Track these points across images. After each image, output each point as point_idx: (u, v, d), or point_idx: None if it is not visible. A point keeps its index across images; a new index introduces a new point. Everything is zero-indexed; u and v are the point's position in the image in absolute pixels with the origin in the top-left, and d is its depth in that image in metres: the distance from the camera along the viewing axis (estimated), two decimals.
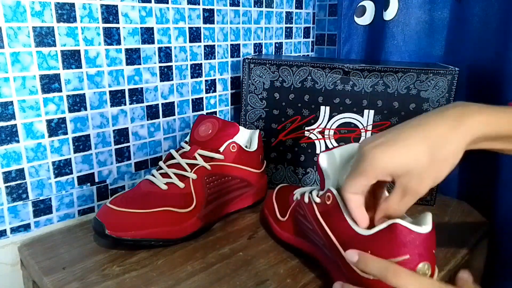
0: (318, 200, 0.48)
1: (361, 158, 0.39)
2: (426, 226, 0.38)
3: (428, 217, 0.39)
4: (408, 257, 0.37)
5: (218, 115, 0.81)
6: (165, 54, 0.69)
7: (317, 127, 0.72)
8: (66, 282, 0.48)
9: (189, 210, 0.56)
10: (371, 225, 0.41)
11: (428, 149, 0.37)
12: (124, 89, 0.65)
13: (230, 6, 0.77)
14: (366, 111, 0.69)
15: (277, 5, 0.87)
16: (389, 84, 0.67)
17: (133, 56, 0.65)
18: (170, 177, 0.57)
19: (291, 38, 0.93)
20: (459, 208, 0.71)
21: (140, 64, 0.66)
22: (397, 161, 0.38)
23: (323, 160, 0.46)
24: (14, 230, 0.58)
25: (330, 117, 0.71)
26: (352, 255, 0.40)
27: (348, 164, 0.46)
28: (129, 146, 0.68)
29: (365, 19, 0.86)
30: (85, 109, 0.61)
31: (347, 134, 0.71)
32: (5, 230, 0.57)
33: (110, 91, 0.63)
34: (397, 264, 0.38)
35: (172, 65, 0.70)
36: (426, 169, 0.37)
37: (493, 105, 0.40)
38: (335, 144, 0.72)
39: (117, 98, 0.64)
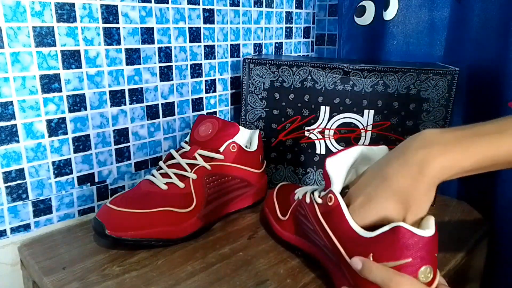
0: (320, 200, 0.47)
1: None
2: (429, 230, 0.38)
3: (431, 221, 0.39)
4: (410, 260, 0.37)
5: (218, 115, 0.81)
6: (165, 54, 0.69)
7: (317, 127, 0.72)
8: (66, 282, 0.48)
9: (189, 210, 0.56)
10: (373, 228, 0.41)
11: (399, 202, 0.40)
12: (124, 89, 0.65)
13: (230, 6, 0.77)
14: (366, 111, 0.69)
15: (277, 5, 0.87)
16: (389, 84, 0.67)
17: (133, 56, 0.65)
18: (170, 177, 0.57)
19: (291, 38, 0.93)
20: (459, 208, 0.71)
21: (140, 64, 0.66)
22: (379, 217, 0.41)
23: (330, 166, 0.46)
24: (14, 230, 0.58)
25: (330, 117, 0.71)
26: (356, 262, 0.40)
27: (353, 167, 0.46)
28: (129, 146, 0.68)
29: (365, 19, 0.86)
30: (85, 109, 0.61)
31: (347, 134, 0.71)
32: (5, 230, 0.57)
33: (110, 91, 0.63)
34: (399, 267, 0.38)
35: (172, 65, 0.70)
36: (406, 215, 0.40)
37: (467, 127, 0.39)
38: (335, 144, 0.72)
39: (117, 98, 0.64)
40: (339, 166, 0.45)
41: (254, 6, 0.82)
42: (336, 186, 0.45)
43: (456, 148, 0.38)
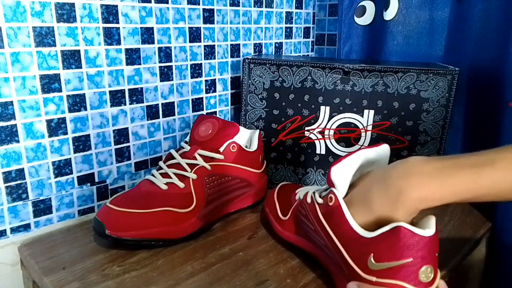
0: (320, 200, 0.47)
1: None
2: (429, 229, 0.38)
3: (432, 220, 0.39)
4: (411, 260, 0.37)
5: (218, 115, 0.81)
6: (165, 54, 0.69)
7: (317, 127, 0.72)
8: (66, 282, 0.48)
9: (189, 210, 0.56)
10: (373, 228, 0.41)
11: (376, 223, 0.41)
12: (124, 89, 0.65)
13: (230, 6, 0.77)
14: (366, 111, 0.69)
15: (277, 5, 0.87)
16: (389, 84, 0.67)
17: (133, 56, 0.65)
18: (170, 177, 0.57)
19: (291, 38, 0.93)
20: (459, 208, 0.71)
21: (140, 64, 0.66)
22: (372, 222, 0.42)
23: (335, 174, 0.45)
24: (14, 230, 0.58)
25: (330, 117, 0.71)
26: None
27: (358, 172, 0.46)
28: (129, 146, 0.68)
29: (365, 19, 0.86)
30: (85, 109, 0.61)
31: (347, 134, 0.71)
32: (5, 230, 0.57)
33: (110, 91, 0.63)
34: (400, 267, 0.38)
35: (172, 65, 0.70)
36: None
37: (451, 158, 0.40)
38: (335, 144, 0.72)
39: (117, 98, 0.64)
40: (343, 173, 0.45)
41: (254, 6, 0.82)
42: (341, 192, 0.45)
43: (435, 180, 0.38)
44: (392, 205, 0.40)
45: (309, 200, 0.50)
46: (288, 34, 0.92)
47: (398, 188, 0.39)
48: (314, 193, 0.50)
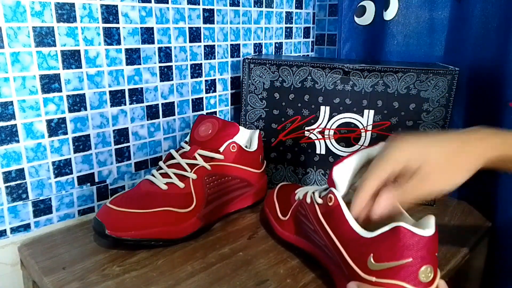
0: (320, 201, 0.47)
1: (387, 147, 0.43)
2: (429, 229, 0.38)
3: (431, 220, 0.39)
4: (411, 260, 0.37)
5: (218, 115, 0.81)
6: (165, 54, 0.69)
7: (317, 127, 0.72)
8: (66, 282, 0.48)
9: (189, 210, 0.56)
10: (372, 228, 0.41)
11: (446, 153, 0.41)
12: (124, 89, 0.65)
13: (230, 6, 0.77)
14: (366, 111, 0.69)
15: (277, 5, 0.87)
16: (389, 84, 0.67)
17: (133, 56, 0.65)
18: (170, 177, 0.57)
19: (291, 38, 0.93)
20: (459, 208, 0.71)
21: (140, 64, 0.66)
22: (419, 151, 0.42)
23: (337, 174, 0.45)
24: (14, 230, 0.58)
25: (330, 117, 0.71)
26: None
27: (360, 173, 0.46)
28: (129, 146, 0.68)
29: (365, 19, 0.86)
30: (85, 109, 0.61)
31: (347, 134, 0.71)
32: (5, 230, 0.57)
33: (110, 91, 0.63)
34: (400, 267, 0.38)
35: (172, 65, 0.70)
36: (442, 169, 0.41)
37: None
38: (335, 144, 0.72)
39: (117, 98, 0.64)
40: (344, 172, 0.45)
41: (254, 6, 0.82)
42: (340, 192, 0.45)
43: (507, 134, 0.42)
44: (469, 141, 0.42)
45: (308, 200, 0.50)
46: (288, 34, 0.92)
47: (478, 136, 0.42)
48: (313, 193, 0.50)
